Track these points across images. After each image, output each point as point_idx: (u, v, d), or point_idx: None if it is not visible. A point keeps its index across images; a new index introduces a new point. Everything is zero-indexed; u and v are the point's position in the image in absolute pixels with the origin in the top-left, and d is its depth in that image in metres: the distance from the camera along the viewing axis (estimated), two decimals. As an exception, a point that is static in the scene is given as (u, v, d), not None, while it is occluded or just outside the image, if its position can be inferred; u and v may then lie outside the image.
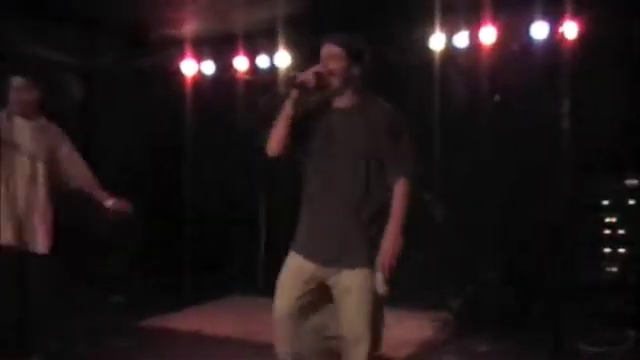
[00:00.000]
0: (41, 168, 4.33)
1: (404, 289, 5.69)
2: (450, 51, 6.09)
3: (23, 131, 4.30)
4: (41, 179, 4.33)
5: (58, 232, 4.44)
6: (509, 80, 5.92)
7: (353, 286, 3.22)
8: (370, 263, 3.21)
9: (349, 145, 3.24)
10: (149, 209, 7.03)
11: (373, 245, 3.22)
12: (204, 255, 7.23)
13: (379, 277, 3.18)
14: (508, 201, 6.01)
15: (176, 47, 7.08)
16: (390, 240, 3.19)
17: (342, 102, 3.30)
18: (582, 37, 5.52)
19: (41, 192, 4.32)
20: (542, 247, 5.75)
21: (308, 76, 3.18)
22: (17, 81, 4.32)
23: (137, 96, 7.21)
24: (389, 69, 6.07)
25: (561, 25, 5.60)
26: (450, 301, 5.92)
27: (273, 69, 6.77)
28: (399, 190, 3.25)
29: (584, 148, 5.53)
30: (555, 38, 5.67)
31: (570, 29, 5.56)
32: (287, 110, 3.23)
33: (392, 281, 3.19)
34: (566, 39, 5.57)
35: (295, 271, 3.33)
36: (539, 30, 5.72)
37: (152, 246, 7.13)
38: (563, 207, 5.61)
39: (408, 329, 5.58)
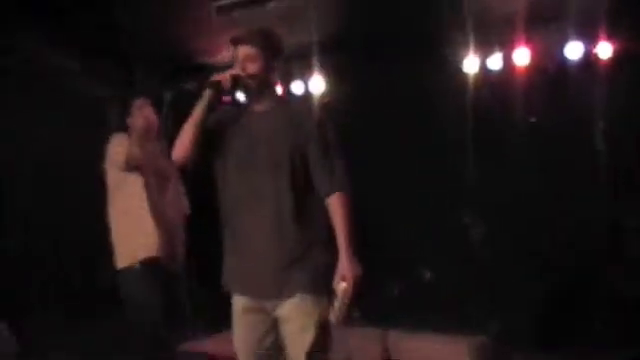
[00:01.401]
0: (175, 185, 4.46)
1: (440, 312, 5.77)
2: (484, 73, 6.09)
3: (155, 151, 4.31)
4: (174, 196, 4.44)
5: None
6: (544, 101, 5.89)
7: (292, 315, 2.88)
8: (311, 287, 2.87)
9: (270, 152, 2.90)
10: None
11: (314, 265, 2.87)
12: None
13: (335, 304, 2.83)
14: (546, 223, 5.95)
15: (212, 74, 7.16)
16: (344, 263, 2.81)
17: (261, 105, 3.00)
18: (616, 57, 5.48)
19: (175, 208, 4.43)
20: (582, 269, 5.69)
21: (224, 77, 2.91)
22: (140, 102, 4.36)
23: (175, 124, 7.30)
24: (423, 92, 6.12)
25: (595, 45, 5.57)
26: (488, 324, 5.86)
27: (308, 95, 6.82)
28: (335, 208, 2.87)
29: (620, 168, 5.48)
30: (590, 58, 5.63)
31: (604, 49, 5.53)
32: (197, 113, 2.93)
33: (351, 307, 2.84)
34: (600, 59, 5.54)
35: (243, 314, 3.00)
36: (573, 50, 5.68)
37: (191, 270, 7.18)
38: (602, 228, 5.55)
39: (444, 354, 5.54)
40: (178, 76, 7.16)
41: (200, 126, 2.93)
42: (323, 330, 2.89)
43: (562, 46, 5.72)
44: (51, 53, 6.08)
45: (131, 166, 4.14)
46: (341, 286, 2.82)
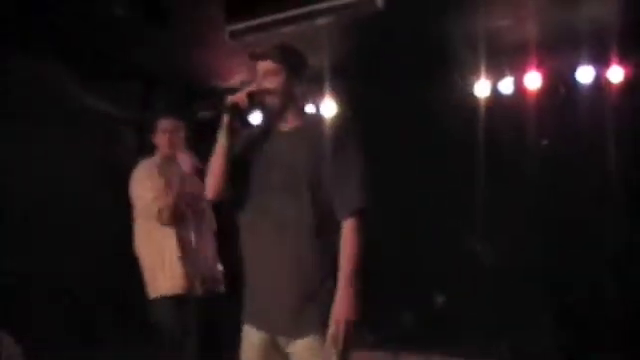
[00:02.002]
0: (208, 210, 4.22)
1: (452, 337, 5.75)
2: (495, 97, 6.11)
3: (181, 172, 4.07)
4: (207, 221, 4.23)
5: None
6: (555, 125, 5.89)
7: (305, 355, 2.64)
8: (323, 328, 2.60)
9: (289, 172, 2.67)
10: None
11: (329, 302, 2.59)
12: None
13: (327, 349, 2.57)
14: (558, 245, 5.93)
15: (221, 103, 7.21)
16: (340, 306, 2.55)
17: (284, 123, 2.80)
18: (628, 81, 5.50)
19: (209, 233, 4.22)
20: (595, 292, 5.66)
21: (240, 98, 2.70)
22: (164, 123, 4.20)
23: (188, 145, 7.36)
24: (434, 116, 6.14)
25: (607, 69, 5.59)
26: (500, 348, 5.84)
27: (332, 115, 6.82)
28: (346, 234, 2.61)
29: (631, 191, 5.47)
30: (601, 83, 5.65)
31: (616, 73, 5.55)
32: (221, 142, 2.72)
33: (347, 351, 2.56)
34: (612, 83, 5.55)
35: (254, 349, 2.75)
36: (585, 75, 5.71)
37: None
38: (614, 251, 5.54)
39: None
40: (192, 99, 7.24)
41: (227, 156, 2.74)
42: None
43: (573, 70, 5.76)
44: (66, 74, 6.15)
45: (169, 221, 3.96)
46: (330, 330, 2.57)
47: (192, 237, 4.04)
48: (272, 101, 2.75)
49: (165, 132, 4.17)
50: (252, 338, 2.77)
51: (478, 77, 6.05)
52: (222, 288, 4.20)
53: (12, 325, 5.57)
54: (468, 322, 5.78)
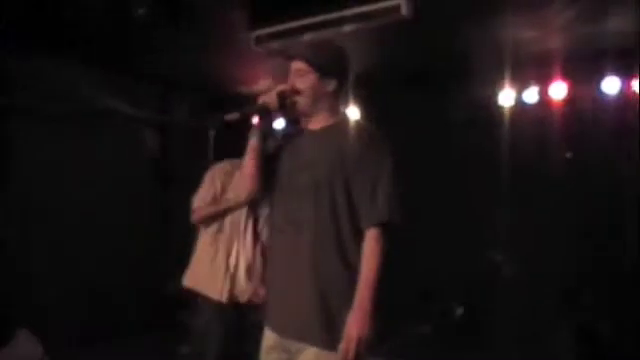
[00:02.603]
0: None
1: (471, 348, 5.71)
2: (520, 106, 6.08)
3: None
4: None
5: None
6: (579, 135, 5.85)
7: None
8: (332, 341, 2.49)
9: (316, 175, 2.59)
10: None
11: (344, 318, 2.48)
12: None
13: None
14: (579, 259, 5.88)
15: (249, 104, 7.24)
16: (355, 320, 2.45)
17: (314, 124, 2.73)
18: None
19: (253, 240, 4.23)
20: (615, 306, 5.61)
21: (270, 97, 2.65)
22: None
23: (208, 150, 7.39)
24: (456, 125, 6.12)
25: (633, 80, 5.55)
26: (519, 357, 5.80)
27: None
28: (368, 244, 2.51)
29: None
30: (627, 93, 5.61)
31: (642, 84, 5.51)
32: (252, 142, 2.71)
33: None
34: (637, 94, 5.51)
35: (270, 351, 2.68)
36: (610, 85, 5.68)
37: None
38: (635, 265, 5.48)
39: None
40: (216, 104, 7.27)
41: (259, 155, 2.71)
42: None
43: (599, 80, 5.72)
44: (87, 74, 6.20)
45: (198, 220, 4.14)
46: (342, 344, 2.47)
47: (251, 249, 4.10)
48: (302, 101, 2.69)
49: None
50: (267, 339, 2.72)
51: (503, 86, 6.01)
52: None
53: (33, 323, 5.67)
54: (487, 334, 5.74)
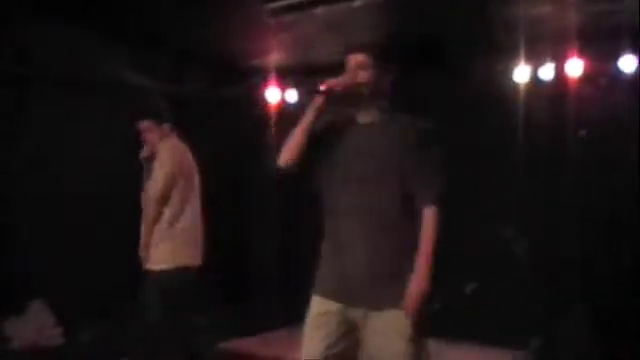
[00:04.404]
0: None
1: (482, 325, 5.72)
2: (535, 83, 6.01)
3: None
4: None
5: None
6: (595, 114, 5.78)
7: (380, 330, 2.89)
8: (401, 303, 2.87)
9: (373, 164, 2.92)
10: (233, 235, 7.21)
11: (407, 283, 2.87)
12: (285, 281, 7.33)
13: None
14: (593, 238, 5.85)
15: (261, 76, 7.24)
16: (417, 280, 2.84)
17: (367, 117, 3.03)
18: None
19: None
20: (629, 286, 5.58)
21: (335, 84, 2.92)
22: (141, 125, 4.72)
23: (221, 122, 7.40)
24: (471, 101, 6.07)
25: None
26: (530, 340, 5.79)
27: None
28: (427, 219, 2.90)
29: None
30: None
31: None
32: (308, 117, 2.96)
33: (419, 324, 2.86)
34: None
35: (321, 315, 2.98)
36: (627, 63, 5.60)
37: (234, 271, 7.26)
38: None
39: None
40: (229, 76, 7.25)
41: (308, 132, 2.95)
42: (415, 347, 2.88)
43: (616, 58, 5.64)
44: (100, 44, 6.20)
45: None
46: (405, 302, 2.85)
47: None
48: (362, 92, 2.96)
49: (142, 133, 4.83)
50: (320, 307, 2.99)
51: (518, 62, 5.94)
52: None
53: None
54: (499, 312, 5.73)
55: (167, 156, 4.62)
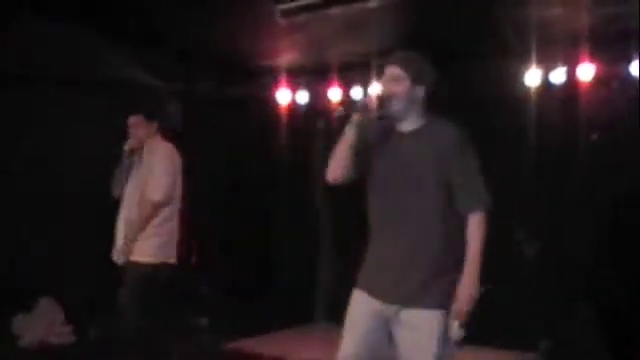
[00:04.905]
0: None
1: (489, 327, 5.70)
2: (546, 87, 6.00)
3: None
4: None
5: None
6: (606, 118, 5.77)
7: (416, 326, 3.03)
8: (437, 305, 3.02)
9: (415, 171, 3.06)
10: (238, 236, 7.22)
11: (444, 285, 3.02)
12: (291, 281, 7.34)
13: (454, 324, 3.00)
14: (604, 238, 5.83)
15: (272, 76, 7.25)
16: (467, 285, 2.99)
17: (406, 126, 3.16)
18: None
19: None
20: (637, 285, 5.56)
21: (370, 100, 3.13)
22: (132, 119, 4.83)
23: (231, 122, 7.41)
24: (482, 103, 6.06)
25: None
26: (539, 341, 5.77)
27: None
28: (474, 225, 3.02)
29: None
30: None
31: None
32: (348, 135, 3.10)
33: (467, 326, 3.01)
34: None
35: (360, 308, 3.17)
36: (638, 67, 5.58)
37: (239, 271, 7.27)
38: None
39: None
40: (240, 77, 7.25)
41: (352, 147, 3.09)
42: (442, 346, 3.02)
43: (628, 63, 5.62)
44: (103, 42, 6.21)
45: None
46: (455, 304, 2.99)
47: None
48: (397, 104, 3.08)
49: (130, 127, 4.94)
50: (361, 300, 3.17)
51: (529, 66, 5.94)
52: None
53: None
54: (508, 313, 5.72)
55: (169, 160, 4.79)
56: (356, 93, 6.81)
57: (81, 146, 6.41)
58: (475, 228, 3.01)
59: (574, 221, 5.90)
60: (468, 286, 2.99)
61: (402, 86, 3.08)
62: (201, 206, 7.21)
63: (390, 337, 3.12)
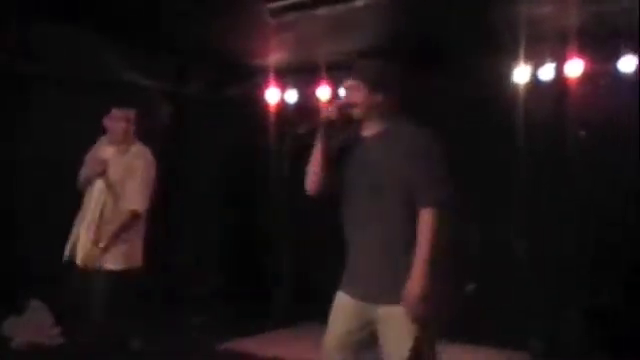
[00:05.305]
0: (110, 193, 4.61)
1: (482, 326, 5.71)
2: (535, 84, 6.00)
3: (113, 158, 4.64)
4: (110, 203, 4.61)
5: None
6: (594, 114, 5.78)
7: (390, 321, 3.11)
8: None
9: (378, 173, 3.16)
10: (232, 235, 7.21)
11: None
12: (286, 281, 7.35)
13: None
14: (593, 238, 5.85)
15: (261, 76, 7.24)
16: (413, 278, 3.00)
17: (369, 130, 3.28)
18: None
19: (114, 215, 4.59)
20: (629, 286, 5.59)
21: (331, 112, 3.22)
22: (113, 112, 4.70)
23: (222, 122, 7.40)
24: (471, 102, 6.07)
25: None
26: (530, 340, 5.79)
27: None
28: (423, 220, 3.04)
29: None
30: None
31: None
32: (318, 147, 3.26)
33: (421, 320, 3.02)
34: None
35: (341, 308, 3.29)
36: (627, 64, 5.60)
37: (234, 271, 7.26)
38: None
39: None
40: (230, 77, 7.23)
41: (324, 158, 3.26)
42: (419, 340, 3.05)
43: (616, 59, 5.65)
44: (101, 44, 6.19)
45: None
46: (402, 303, 3.02)
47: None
48: (356, 112, 3.22)
49: (111, 120, 4.74)
50: (342, 301, 3.28)
51: (518, 62, 5.94)
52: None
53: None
54: (499, 313, 5.73)
55: (152, 168, 4.70)
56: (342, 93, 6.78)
57: (80, 147, 6.38)
58: (423, 224, 3.04)
59: (565, 219, 5.91)
60: (411, 284, 3.01)
61: (359, 95, 3.21)
62: (194, 205, 7.23)
63: (374, 336, 3.20)
